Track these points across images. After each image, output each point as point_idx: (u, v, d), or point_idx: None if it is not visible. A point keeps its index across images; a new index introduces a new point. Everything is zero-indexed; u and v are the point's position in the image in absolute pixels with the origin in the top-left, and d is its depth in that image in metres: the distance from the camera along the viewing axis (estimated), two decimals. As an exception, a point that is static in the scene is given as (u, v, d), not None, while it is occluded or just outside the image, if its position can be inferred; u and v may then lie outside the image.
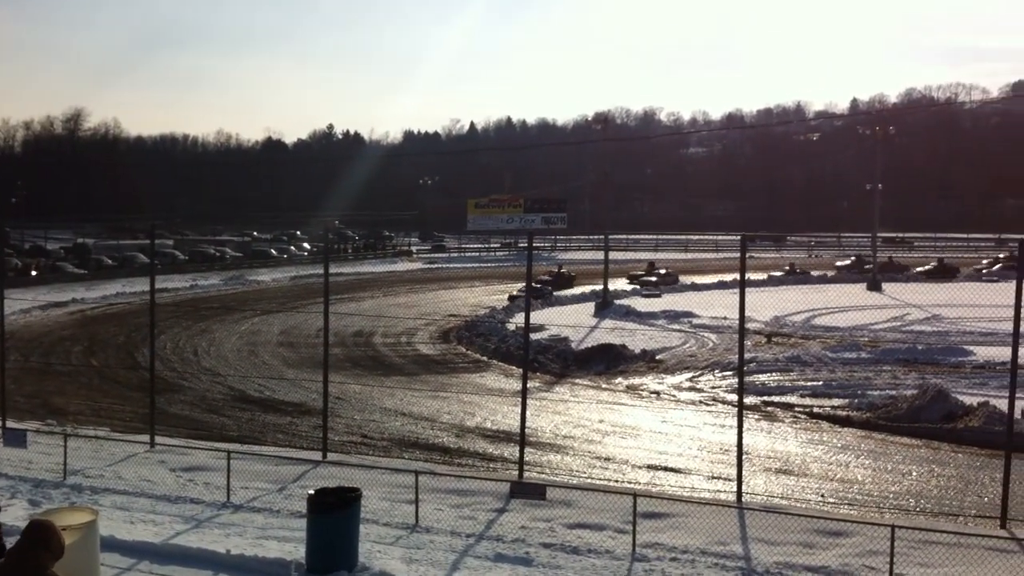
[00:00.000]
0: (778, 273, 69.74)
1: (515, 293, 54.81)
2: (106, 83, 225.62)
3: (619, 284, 61.47)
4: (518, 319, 42.34)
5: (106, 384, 31.67)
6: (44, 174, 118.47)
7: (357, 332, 43.27)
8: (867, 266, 68.91)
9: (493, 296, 59.33)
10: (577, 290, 60.29)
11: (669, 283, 64.37)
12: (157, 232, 53.76)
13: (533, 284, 52.15)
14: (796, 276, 68.68)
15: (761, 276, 63.23)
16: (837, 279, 67.22)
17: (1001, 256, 72.72)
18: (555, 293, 57.89)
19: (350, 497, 12.62)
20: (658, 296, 57.80)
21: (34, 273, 65.16)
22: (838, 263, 77.24)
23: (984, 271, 69.07)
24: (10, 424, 20.47)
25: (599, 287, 54.06)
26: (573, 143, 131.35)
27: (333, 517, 12.33)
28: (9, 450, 17.96)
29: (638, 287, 61.98)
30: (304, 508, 13.22)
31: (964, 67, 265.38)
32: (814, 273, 71.08)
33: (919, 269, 70.90)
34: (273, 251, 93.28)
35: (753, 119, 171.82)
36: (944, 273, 67.50)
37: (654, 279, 64.68)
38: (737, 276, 18.72)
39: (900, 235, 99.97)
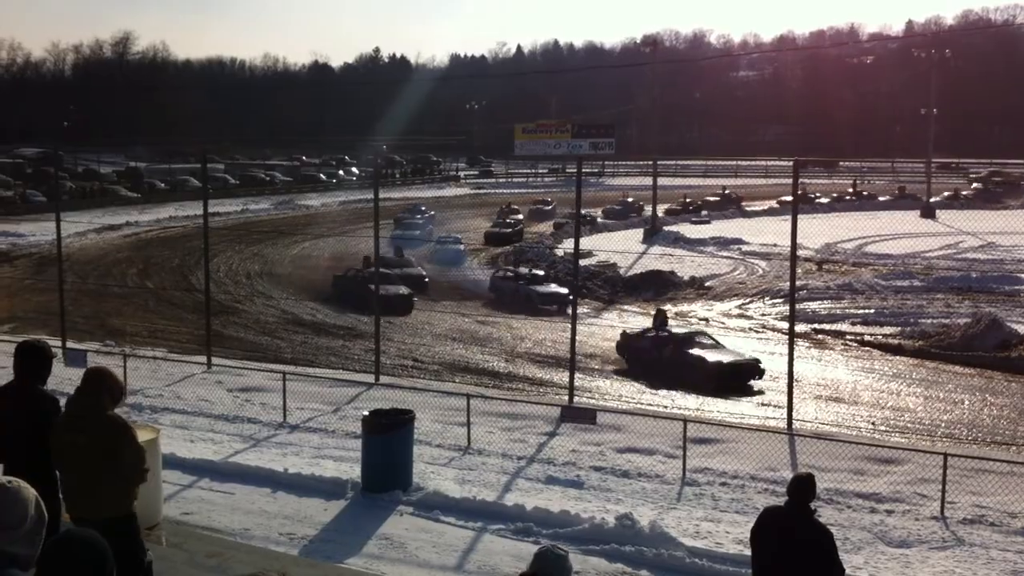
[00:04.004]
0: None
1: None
2: (153, 5, 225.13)
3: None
4: (566, 245, 42.34)
5: (162, 306, 32.18)
6: (94, 98, 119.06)
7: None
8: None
9: (542, 223, 59.22)
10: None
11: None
12: (208, 156, 53.88)
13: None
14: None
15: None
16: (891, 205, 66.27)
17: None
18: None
19: (404, 418, 12.82)
20: (707, 223, 57.40)
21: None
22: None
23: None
24: (70, 344, 20.88)
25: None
26: (621, 66, 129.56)
27: (387, 438, 12.54)
28: (70, 370, 18.28)
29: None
30: (358, 429, 13.46)
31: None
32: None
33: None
34: (322, 176, 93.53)
35: (805, 41, 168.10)
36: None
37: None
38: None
39: (955, 161, 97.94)
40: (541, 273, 34.87)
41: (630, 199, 64.33)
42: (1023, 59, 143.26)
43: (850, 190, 71.34)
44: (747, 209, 64.98)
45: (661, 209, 61.07)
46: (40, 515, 3.18)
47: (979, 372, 23.61)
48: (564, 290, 32.52)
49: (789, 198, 65.43)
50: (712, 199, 66.43)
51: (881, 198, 69.71)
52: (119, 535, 3.18)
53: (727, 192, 69.78)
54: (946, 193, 70.35)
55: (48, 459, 6.47)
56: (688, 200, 63.91)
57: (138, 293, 34.42)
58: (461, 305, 33.19)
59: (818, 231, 38.94)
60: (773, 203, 66.66)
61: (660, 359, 23.23)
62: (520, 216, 56.76)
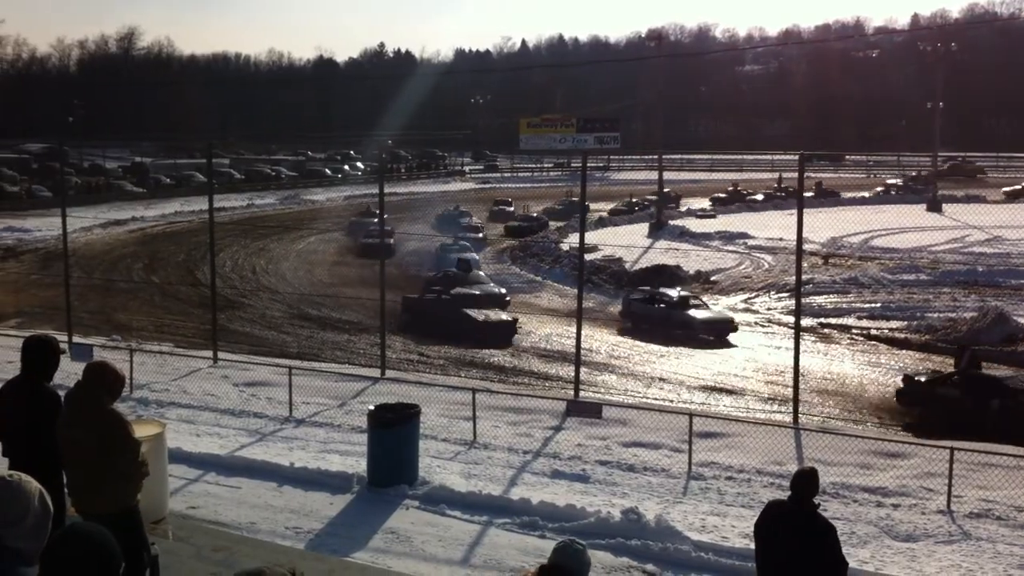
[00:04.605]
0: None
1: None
2: (157, 0, 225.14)
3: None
4: (572, 239, 42.27)
5: (168, 301, 32.20)
6: (99, 94, 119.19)
7: (412, 251, 43.43)
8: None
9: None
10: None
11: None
12: (213, 151, 53.71)
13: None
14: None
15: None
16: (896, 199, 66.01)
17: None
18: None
19: (410, 413, 12.82)
20: (713, 217, 57.33)
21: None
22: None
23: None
24: (76, 339, 20.90)
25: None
26: (626, 60, 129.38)
27: (393, 432, 12.54)
28: (76, 365, 18.27)
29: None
30: (364, 423, 13.46)
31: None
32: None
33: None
34: (327, 171, 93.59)
35: (811, 35, 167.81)
36: None
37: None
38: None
39: (961, 155, 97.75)
40: (688, 295, 29.49)
41: (574, 198, 62.87)
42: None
43: (775, 185, 71.32)
44: (683, 208, 63.19)
45: (606, 209, 60.25)
46: (45, 509, 3.14)
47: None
48: (728, 315, 28.57)
49: (722, 195, 65.79)
50: (651, 198, 64.20)
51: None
52: (119, 530, 3.14)
53: (666, 191, 68.23)
54: (878, 189, 70.76)
55: (50, 454, 6.48)
56: (635, 200, 62.38)
57: (144, 288, 34.46)
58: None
59: (824, 225, 38.88)
60: (706, 203, 65.40)
61: (986, 413, 18.30)
62: (473, 219, 52.47)
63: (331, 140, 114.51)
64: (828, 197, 64.17)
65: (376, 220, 47.52)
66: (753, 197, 66.16)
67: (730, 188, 69.54)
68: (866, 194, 67.74)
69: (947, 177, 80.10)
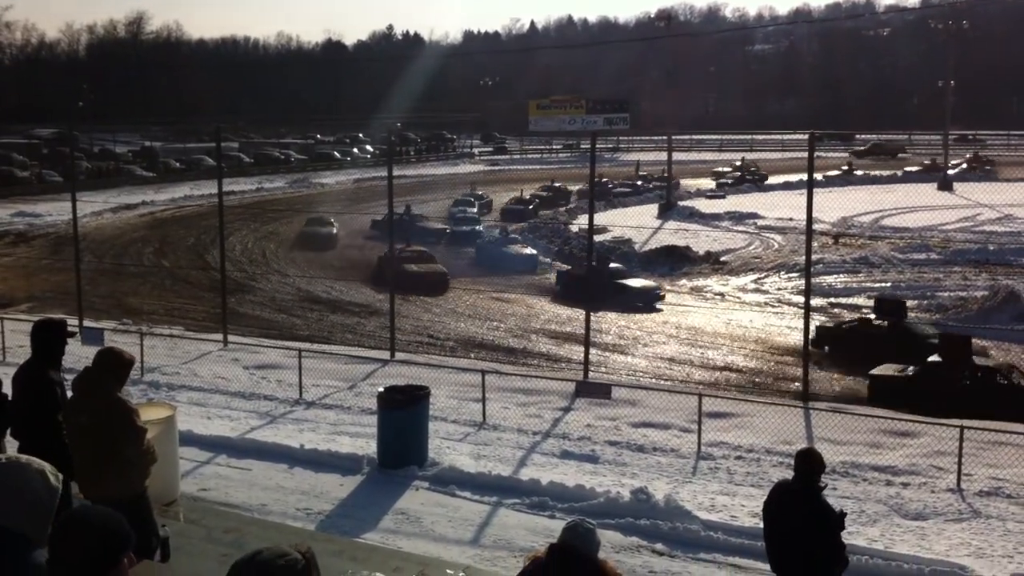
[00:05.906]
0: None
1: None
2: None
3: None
4: (581, 220, 42.20)
5: (178, 285, 32.23)
6: (108, 78, 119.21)
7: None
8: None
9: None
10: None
11: None
12: (222, 135, 53.56)
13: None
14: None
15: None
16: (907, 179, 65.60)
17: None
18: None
19: (419, 395, 12.88)
20: (722, 197, 57.13)
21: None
22: None
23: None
24: (87, 323, 20.97)
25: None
26: (635, 40, 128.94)
27: (403, 414, 12.60)
28: (88, 348, 18.37)
29: None
30: (374, 405, 13.51)
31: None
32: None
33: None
34: (336, 154, 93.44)
35: (821, 14, 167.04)
36: None
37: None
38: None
39: (973, 133, 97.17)
40: None
41: (480, 192, 57.63)
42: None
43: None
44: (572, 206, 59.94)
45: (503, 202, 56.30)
46: (49, 491, 3.07)
47: (996, 345, 23.44)
48: None
49: (583, 187, 63.04)
50: (541, 193, 57.88)
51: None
52: (127, 516, 3.13)
53: (554, 184, 64.85)
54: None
55: (54, 439, 6.52)
56: (525, 195, 58.13)
57: (154, 272, 34.48)
58: None
59: (835, 205, 38.73)
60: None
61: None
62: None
63: (340, 123, 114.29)
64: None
65: (325, 229, 42.73)
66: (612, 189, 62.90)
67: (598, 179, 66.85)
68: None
69: (867, 156, 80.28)
